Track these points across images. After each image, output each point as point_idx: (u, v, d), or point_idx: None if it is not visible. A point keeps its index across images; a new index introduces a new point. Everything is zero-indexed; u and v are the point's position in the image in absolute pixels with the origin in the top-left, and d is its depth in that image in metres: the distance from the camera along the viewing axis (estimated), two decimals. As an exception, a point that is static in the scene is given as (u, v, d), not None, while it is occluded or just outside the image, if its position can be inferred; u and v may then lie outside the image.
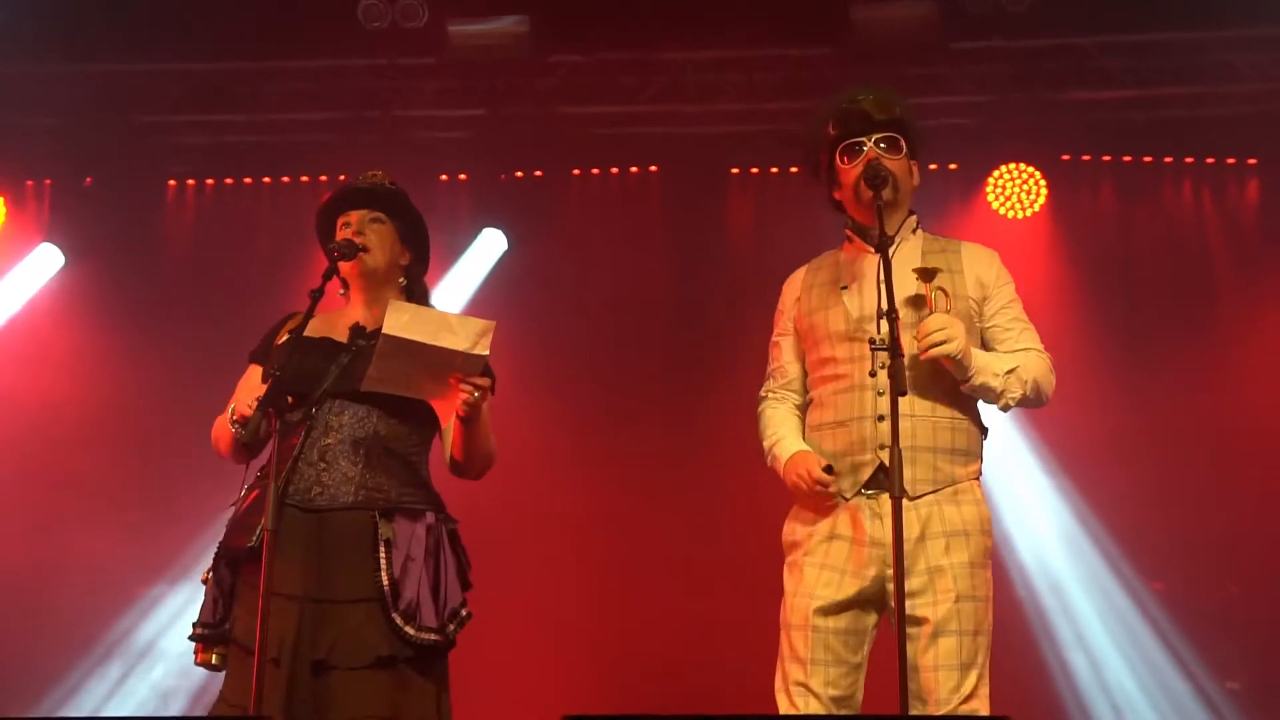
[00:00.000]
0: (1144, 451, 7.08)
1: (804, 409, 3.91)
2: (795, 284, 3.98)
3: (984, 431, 3.84)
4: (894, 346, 3.39)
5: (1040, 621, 7.19)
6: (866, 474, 3.69)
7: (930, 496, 3.66)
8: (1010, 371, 3.72)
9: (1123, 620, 7.16)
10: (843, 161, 3.82)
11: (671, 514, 7.14)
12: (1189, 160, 7.65)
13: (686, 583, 6.94)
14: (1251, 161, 7.61)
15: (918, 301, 3.71)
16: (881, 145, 3.78)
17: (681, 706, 6.44)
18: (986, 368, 3.69)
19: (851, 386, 3.73)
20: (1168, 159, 7.64)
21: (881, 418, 3.65)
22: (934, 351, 3.58)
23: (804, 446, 3.78)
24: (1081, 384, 7.08)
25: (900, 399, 3.47)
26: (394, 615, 3.49)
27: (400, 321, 3.43)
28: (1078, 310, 7.31)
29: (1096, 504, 7.22)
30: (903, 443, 3.57)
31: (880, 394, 3.67)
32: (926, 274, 3.67)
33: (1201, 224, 7.66)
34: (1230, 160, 7.62)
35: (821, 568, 3.68)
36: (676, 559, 7.04)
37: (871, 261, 3.77)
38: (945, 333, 3.59)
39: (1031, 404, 3.82)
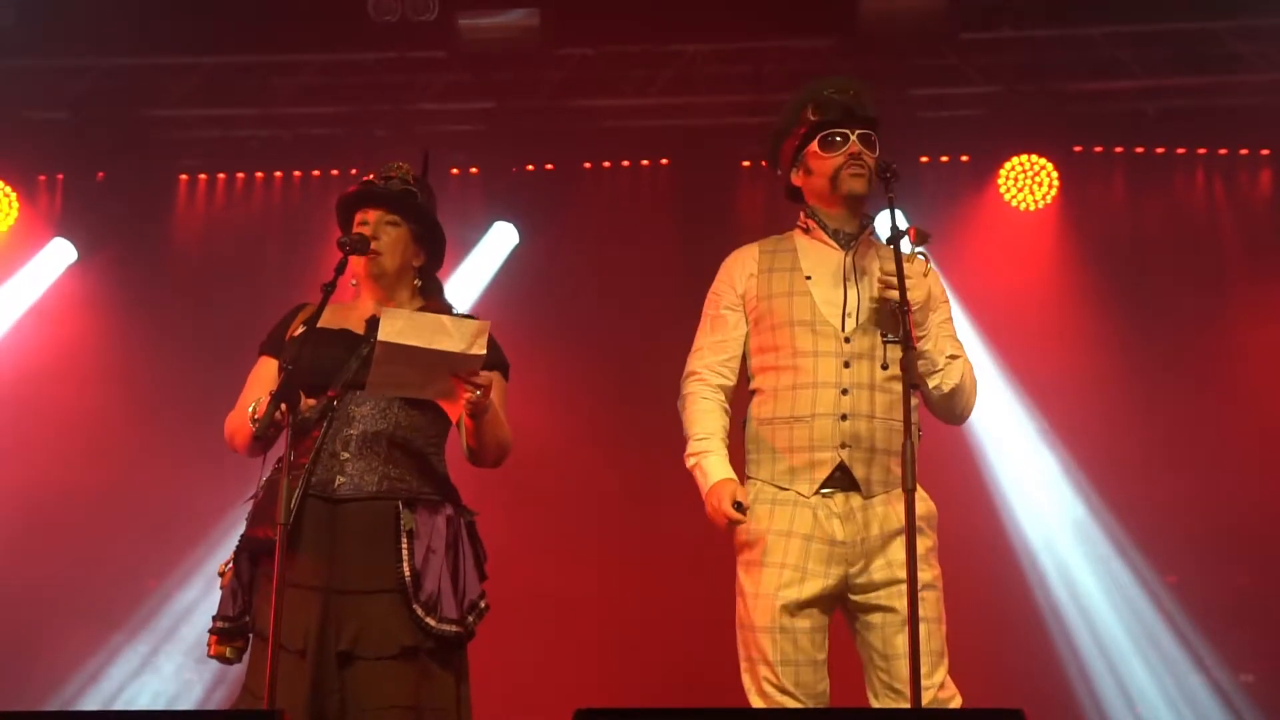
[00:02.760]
0: (1156, 444, 7.07)
1: (730, 391, 3.84)
2: (748, 261, 3.87)
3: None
4: (906, 339, 3.39)
5: (1054, 615, 7.18)
6: (824, 473, 3.67)
7: (883, 496, 3.67)
8: (953, 358, 3.73)
9: (1136, 613, 7.15)
10: (821, 149, 3.78)
11: (686, 506, 7.05)
12: (1201, 151, 7.63)
13: (700, 575, 6.89)
14: (1264, 152, 7.59)
15: (887, 303, 3.67)
16: (864, 141, 3.77)
17: (696, 700, 6.45)
18: (937, 339, 3.69)
19: (812, 383, 3.69)
20: (1179, 150, 7.63)
21: (844, 416, 3.64)
22: (892, 294, 3.53)
23: (728, 470, 3.73)
24: (1094, 376, 7.10)
25: (862, 402, 3.53)
26: (415, 606, 3.51)
27: (395, 328, 3.45)
28: (1090, 302, 7.31)
29: (1109, 498, 7.20)
30: (863, 445, 3.62)
31: (845, 392, 3.65)
32: (921, 237, 3.63)
33: (1213, 215, 7.64)
34: (1243, 151, 7.60)
35: (781, 567, 3.65)
36: (690, 551, 7.00)
37: (835, 256, 3.77)
38: (910, 281, 3.54)
39: (957, 406, 3.78)
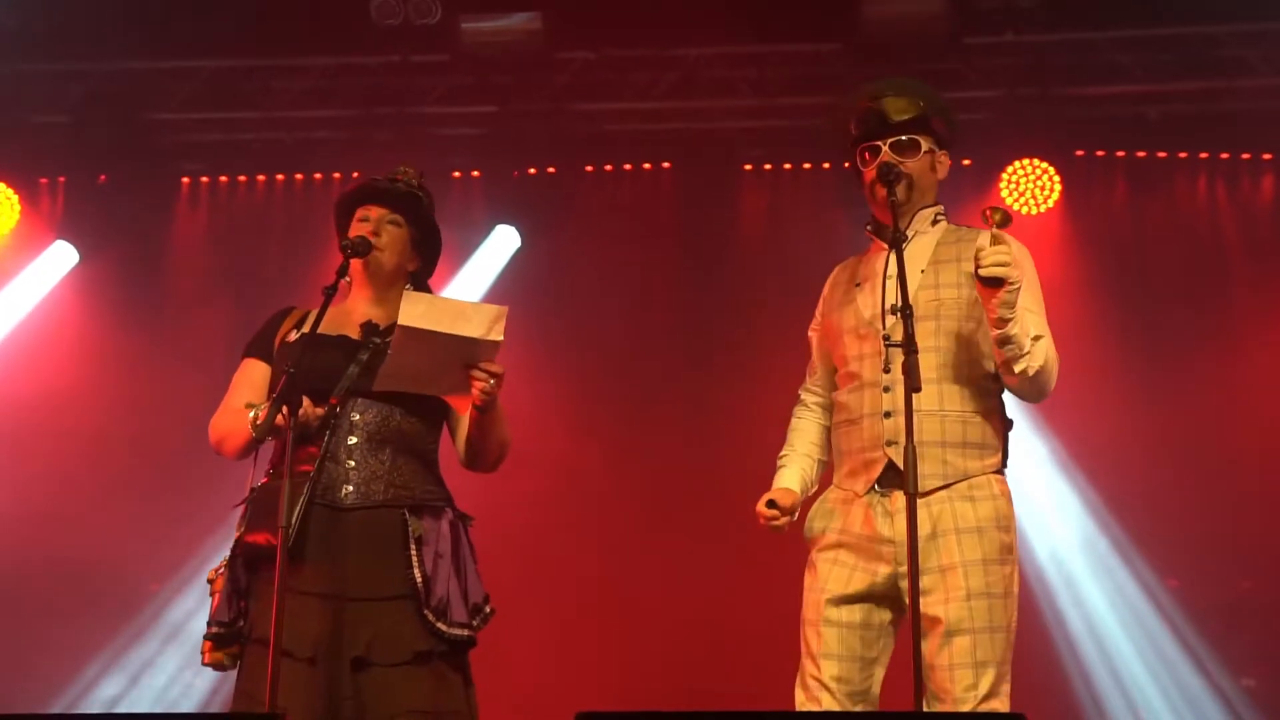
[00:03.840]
0: (1159, 448, 7.06)
1: (832, 407, 3.94)
2: (827, 283, 4.05)
3: (1006, 424, 3.82)
4: (908, 343, 3.39)
5: (1056, 619, 7.17)
6: (877, 471, 3.70)
7: (942, 493, 3.65)
8: (1038, 339, 3.69)
9: (1138, 617, 7.14)
10: (862, 161, 3.86)
11: (686, 508, 7.13)
12: (1203, 156, 7.63)
13: (701, 577, 6.93)
14: (1266, 156, 7.58)
15: (925, 295, 3.71)
16: (897, 147, 3.79)
17: (698, 704, 6.45)
18: (1023, 321, 3.64)
19: (862, 384, 3.76)
20: (1182, 154, 7.62)
21: (888, 414, 3.66)
22: (996, 271, 3.49)
23: (788, 480, 3.87)
24: (1096, 381, 7.08)
25: (903, 398, 3.46)
26: (426, 611, 3.52)
27: (416, 312, 3.41)
28: (1092, 307, 7.29)
29: (1112, 501, 7.20)
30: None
31: (886, 390, 3.68)
32: (1004, 218, 3.53)
33: (1216, 220, 7.64)
34: (1245, 156, 7.59)
35: (833, 563, 3.71)
36: (691, 554, 7.03)
37: (884, 259, 3.81)
38: (1011, 257, 3.52)
39: (1038, 387, 3.75)
